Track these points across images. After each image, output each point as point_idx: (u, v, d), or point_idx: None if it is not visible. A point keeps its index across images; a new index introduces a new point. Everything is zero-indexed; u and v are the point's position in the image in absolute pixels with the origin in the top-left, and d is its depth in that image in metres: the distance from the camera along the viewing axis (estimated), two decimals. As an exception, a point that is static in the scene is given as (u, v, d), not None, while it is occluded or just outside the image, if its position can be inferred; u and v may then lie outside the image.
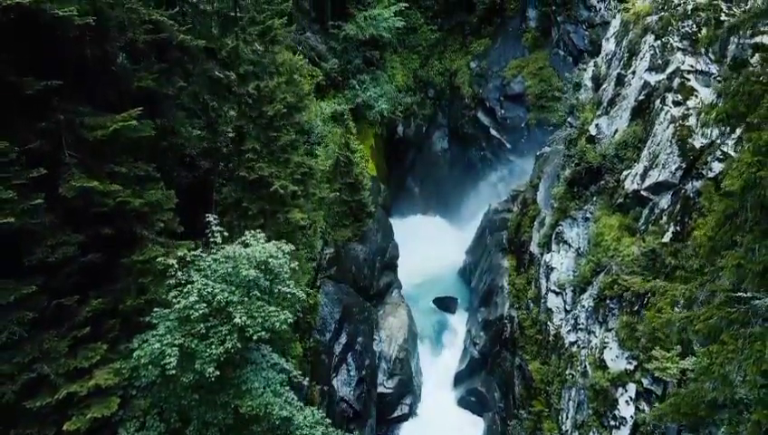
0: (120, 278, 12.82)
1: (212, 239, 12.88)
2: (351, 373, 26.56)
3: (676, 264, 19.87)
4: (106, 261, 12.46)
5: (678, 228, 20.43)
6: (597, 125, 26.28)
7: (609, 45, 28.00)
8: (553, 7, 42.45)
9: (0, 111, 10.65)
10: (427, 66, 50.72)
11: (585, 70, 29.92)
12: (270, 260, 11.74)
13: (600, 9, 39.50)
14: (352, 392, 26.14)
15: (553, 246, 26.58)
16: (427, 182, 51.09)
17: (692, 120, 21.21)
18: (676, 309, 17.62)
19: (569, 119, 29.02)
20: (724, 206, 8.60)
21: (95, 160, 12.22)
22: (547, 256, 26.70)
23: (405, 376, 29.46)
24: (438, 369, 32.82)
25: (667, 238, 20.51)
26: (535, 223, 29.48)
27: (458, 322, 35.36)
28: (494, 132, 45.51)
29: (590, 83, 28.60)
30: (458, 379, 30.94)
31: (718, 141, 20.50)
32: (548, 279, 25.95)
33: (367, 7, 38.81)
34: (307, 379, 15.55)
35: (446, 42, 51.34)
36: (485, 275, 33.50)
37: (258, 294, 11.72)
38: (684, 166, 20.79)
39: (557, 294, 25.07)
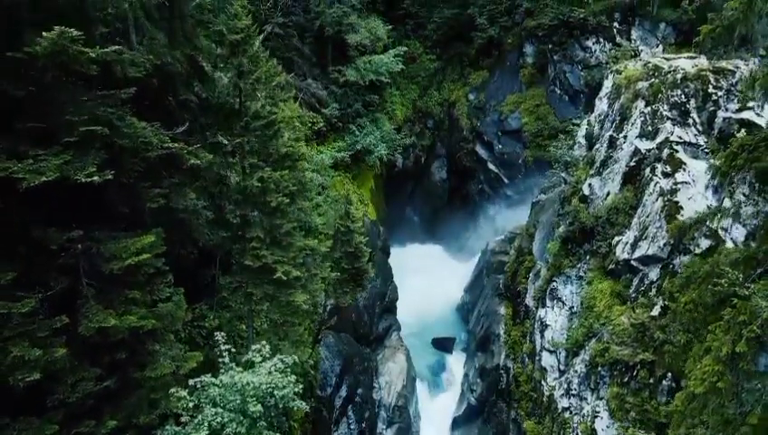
0: (132, 392, 13.59)
1: (220, 359, 13.67)
2: (352, 426, 27.37)
3: (664, 338, 20.64)
4: (119, 378, 13.24)
5: (667, 303, 21.20)
6: (590, 185, 27.02)
7: (601, 105, 28.72)
8: (550, 45, 43.17)
9: (24, 261, 11.39)
10: (426, 96, 51.43)
11: (579, 126, 30.67)
12: (275, 392, 12.56)
13: (596, 51, 40.25)
14: (353, 446, 26.99)
15: (548, 302, 27.35)
16: (426, 211, 51.88)
17: (680, 196, 22.01)
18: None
19: (562, 174, 29.76)
20: (692, 384, 9.43)
21: (112, 287, 12.98)
22: (541, 312, 27.49)
23: (404, 424, 30.28)
24: (437, 411, 33.63)
25: (655, 312, 21.25)
26: (531, 274, 30.26)
27: (456, 362, 36.18)
28: (491, 166, 46.34)
29: (583, 141, 29.34)
30: (456, 424, 31.74)
31: (706, 218, 21.33)
32: (542, 336, 26.74)
33: (366, 48, 39.46)
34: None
35: (444, 71, 52.05)
36: (483, 319, 34.29)
37: (265, 425, 12.54)
38: (672, 242, 21.54)
39: (551, 352, 25.85)
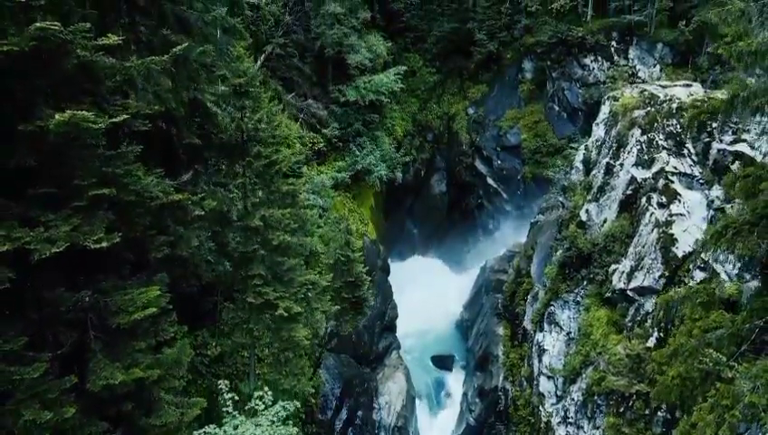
0: (138, 440, 13.92)
1: (224, 409, 14.03)
2: (352, 449, 27.74)
3: (659, 370, 21.01)
4: (125, 429, 13.58)
5: (662, 334, 21.56)
6: (587, 211, 27.36)
7: (598, 131, 29.03)
8: (548, 62, 43.49)
9: (35, 323, 11.72)
10: (425, 110, 51.69)
11: (576, 150, 31.00)
12: (278, 445, 12.97)
13: (594, 69, 40.58)
14: (353, 469, 27.34)
15: (545, 326, 27.70)
16: (426, 224, 52.13)
17: (675, 228, 22.35)
18: None
19: (560, 198, 30.10)
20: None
21: (118, 339, 13.31)
22: (539, 336, 27.83)
23: (403, 444, 30.64)
24: (436, 430, 34.01)
25: (651, 343, 21.63)
26: (529, 297, 30.59)
27: (455, 380, 36.55)
28: (491, 181, 46.68)
29: (581, 166, 29.66)
30: (455, 444, 32.15)
31: (699, 250, 21.67)
32: (540, 360, 27.09)
33: (366, 67, 39.69)
34: None
35: (444, 84, 52.32)
36: (481, 338, 34.63)
37: (267, 476, 12.95)
38: (667, 274, 21.88)
39: (549, 378, 26.20)
